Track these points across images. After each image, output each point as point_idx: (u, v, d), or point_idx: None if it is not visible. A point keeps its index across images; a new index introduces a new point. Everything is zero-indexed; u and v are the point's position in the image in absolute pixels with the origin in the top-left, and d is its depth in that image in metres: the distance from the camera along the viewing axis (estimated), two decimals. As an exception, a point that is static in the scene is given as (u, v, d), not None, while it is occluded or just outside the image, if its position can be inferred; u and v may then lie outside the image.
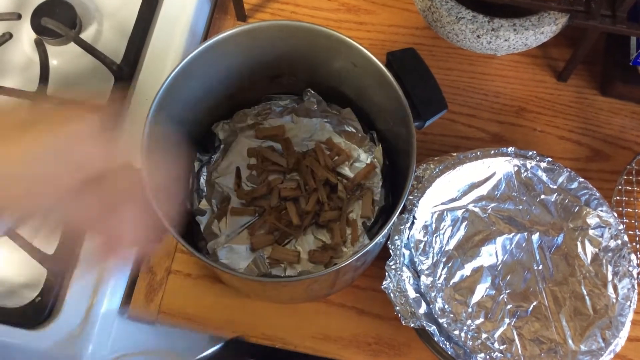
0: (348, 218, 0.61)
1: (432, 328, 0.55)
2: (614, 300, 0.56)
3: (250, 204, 0.63)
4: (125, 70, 0.69)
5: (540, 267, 0.57)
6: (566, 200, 0.60)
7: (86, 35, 0.72)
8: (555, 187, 0.60)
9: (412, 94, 0.52)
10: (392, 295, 0.57)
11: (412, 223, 0.58)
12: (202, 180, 0.63)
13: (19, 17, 0.70)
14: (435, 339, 0.54)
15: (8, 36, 0.69)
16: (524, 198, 0.60)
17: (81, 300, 0.61)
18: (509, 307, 0.56)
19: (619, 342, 0.54)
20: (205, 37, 0.76)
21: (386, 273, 0.57)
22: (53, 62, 0.71)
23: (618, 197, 0.64)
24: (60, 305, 0.60)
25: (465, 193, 0.60)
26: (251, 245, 0.61)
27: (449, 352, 0.54)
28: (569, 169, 0.60)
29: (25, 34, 0.72)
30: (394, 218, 0.49)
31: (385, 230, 0.49)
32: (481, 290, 0.56)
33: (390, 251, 0.58)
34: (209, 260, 0.49)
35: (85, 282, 0.61)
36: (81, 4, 0.73)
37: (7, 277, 0.63)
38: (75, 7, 0.71)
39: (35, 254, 0.60)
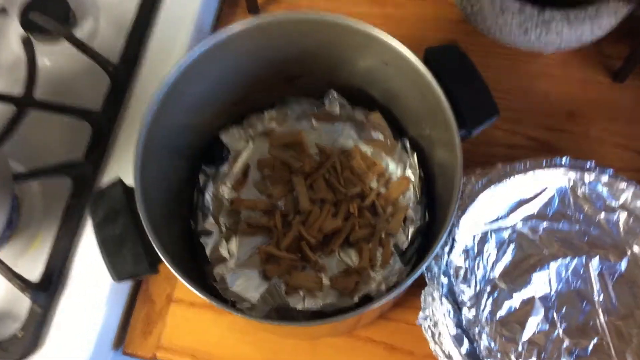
0: (381, 238, 0.54)
1: (477, 371, 0.49)
2: (691, 338, 0.51)
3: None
4: (122, 71, 0.64)
5: (601, 298, 0.53)
6: (631, 220, 0.54)
7: (81, 32, 0.67)
8: (617, 204, 0.55)
9: (456, 97, 0.46)
10: (428, 332, 0.52)
11: (452, 246, 0.53)
12: (208, 196, 0.56)
13: (4, 11, 0.64)
14: (482, 384, 0.49)
15: (-7, 33, 0.63)
16: (581, 217, 0.55)
17: (69, 333, 0.54)
18: (565, 344, 0.51)
19: (698, 387, 0.49)
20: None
21: (422, 305, 0.52)
22: (45, 62, 0.66)
23: (689, 216, 0.56)
24: (44, 339, 0.54)
25: (512, 211, 0.55)
26: (264, 273, 0.53)
27: (498, 401, 0.49)
28: (634, 183, 0.54)
29: (13, 31, 0.67)
30: (437, 248, 0.42)
31: (426, 262, 0.42)
32: (533, 324, 0.52)
33: (427, 280, 0.52)
34: (214, 300, 0.43)
35: (73, 312, 0.55)
36: (76, -3, 0.68)
37: (-14, 305, 0.56)
38: (68, 1, 0.66)
39: (16, 281, 0.53)
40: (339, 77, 0.57)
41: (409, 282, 0.41)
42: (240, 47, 0.53)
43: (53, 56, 0.66)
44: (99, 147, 0.60)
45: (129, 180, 0.45)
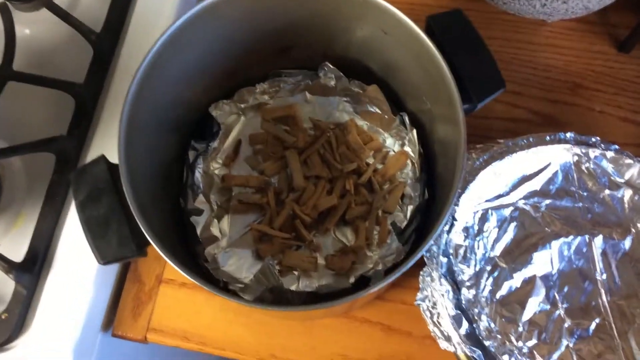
0: (378, 216, 0.52)
1: (477, 353, 0.48)
2: (696, 319, 0.49)
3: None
4: (105, 41, 0.61)
5: (604, 277, 0.51)
6: (636, 197, 0.53)
7: (61, -1, 0.65)
8: (622, 180, 0.53)
9: (459, 68, 0.44)
10: (427, 313, 0.50)
11: (451, 225, 0.51)
12: (198, 174, 0.54)
13: (-21, -24, 0.61)
14: (481, 366, 0.48)
15: (-31, 0, 0.60)
16: (585, 194, 0.53)
17: (56, 315, 0.53)
18: (566, 325, 0.49)
19: (702, 369, 0.48)
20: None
21: (420, 285, 0.50)
22: (24, 31, 0.64)
23: (694, 192, 0.55)
24: (30, 321, 0.52)
25: (514, 188, 0.53)
26: (257, 253, 0.51)
27: (498, 383, 0.48)
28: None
29: (-10, -2, 0.64)
30: (439, 230, 0.40)
31: (427, 245, 0.40)
32: (533, 304, 0.50)
33: (425, 259, 0.50)
34: (204, 283, 0.40)
35: (60, 293, 0.53)
36: (56, -38, 0.65)
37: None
38: (48, -34, 0.63)
39: (-1, 262, 0.51)
40: (335, 48, 0.55)
41: (409, 265, 0.40)
42: (231, 14, 0.50)
43: (33, 25, 0.64)
44: (83, 121, 0.58)
45: (115, 157, 0.42)
